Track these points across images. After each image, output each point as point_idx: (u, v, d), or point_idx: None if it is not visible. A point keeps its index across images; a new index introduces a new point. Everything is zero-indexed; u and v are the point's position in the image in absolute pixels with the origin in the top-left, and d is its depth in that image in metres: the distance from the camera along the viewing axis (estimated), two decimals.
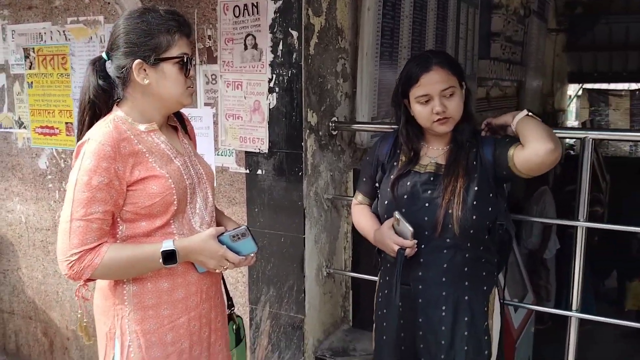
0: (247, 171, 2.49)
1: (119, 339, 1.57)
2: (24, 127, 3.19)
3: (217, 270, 1.60)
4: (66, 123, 3.03)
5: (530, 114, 1.76)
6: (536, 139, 1.66)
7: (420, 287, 1.80)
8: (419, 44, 3.15)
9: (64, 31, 2.92)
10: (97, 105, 1.57)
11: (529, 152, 1.67)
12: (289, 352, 2.52)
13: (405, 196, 1.79)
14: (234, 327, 1.88)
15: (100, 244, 1.47)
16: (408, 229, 1.71)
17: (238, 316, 1.91)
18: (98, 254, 1.46)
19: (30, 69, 3.08)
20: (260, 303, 2.55)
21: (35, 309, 3.39)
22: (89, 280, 1.50)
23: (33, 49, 3.05)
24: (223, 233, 1.57)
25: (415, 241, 1.73)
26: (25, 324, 3.47)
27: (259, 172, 2.45)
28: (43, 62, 3.03)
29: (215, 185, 2.47)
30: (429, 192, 1.77)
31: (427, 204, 1.76)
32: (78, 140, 1.55)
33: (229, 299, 1.89)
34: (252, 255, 1.62)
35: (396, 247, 1.74)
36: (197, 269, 1.61)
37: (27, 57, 3.08)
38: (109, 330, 1.59)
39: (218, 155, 2.56)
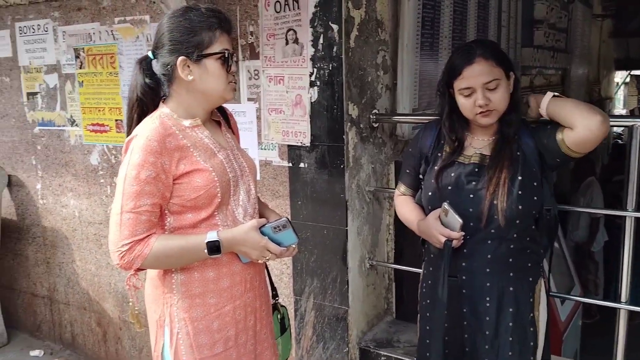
0: (290, 164, 2.52)
1: (168, 327, 1.62)
2: (76, 125, 3.30)
3: (259, 261, 1.64)
4: (116, 120, 3.12)
5: (555, 94, 1.72)
6: (582, 116, 1.63)
7: (464, 277, 1.79)
8: (460, 33, 3.11)
9: (111, 31, 3.00)
10: (144, 103, 1.63)
11: (582, 131, 1.63)
12: (334, 342, 2.55)
13: (450, 187, 1.78)
14: (279, 316, 1.92)
15: (149, 235, 1.52)
16: (457, 220, 1.69)
17: (282, 306, 1.94)
18: (147, 245, 1.51)
19: (80, 68, 3.18)
20: (305, 294, 2.58)
21: (89, 300, 3.51)
22: (139, 269, 1.56)
23: (83, 49, 3.15)
24: (265, 225, 1.60)
25: (463, 233, 1.71)
26: (80, 315, 3.60)
27: (302, 165, 2.48)
28: (92, 62, 3.13)
29: (258, 178, 2.52)
30: (474, 183, 1.75)
31: (471, 195, 1.75)
32: (127, 137, 1.61)
33: (273, 289, 1.92)
34: (294, 246, 1.65)
35: (443, 239, 1.73)
36: (241, 259, 1.65)
37: (77, 57, 3.18)
38: (158, 318, 1.65)
39: (261, 149, 2.60)
